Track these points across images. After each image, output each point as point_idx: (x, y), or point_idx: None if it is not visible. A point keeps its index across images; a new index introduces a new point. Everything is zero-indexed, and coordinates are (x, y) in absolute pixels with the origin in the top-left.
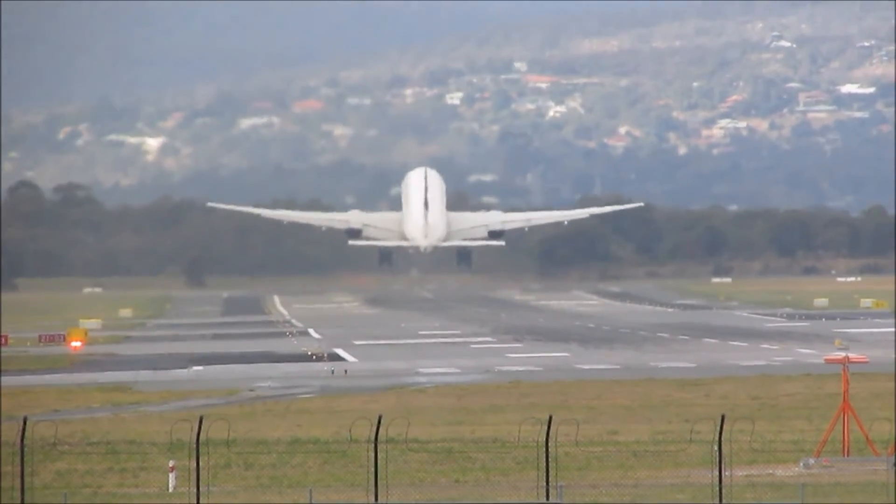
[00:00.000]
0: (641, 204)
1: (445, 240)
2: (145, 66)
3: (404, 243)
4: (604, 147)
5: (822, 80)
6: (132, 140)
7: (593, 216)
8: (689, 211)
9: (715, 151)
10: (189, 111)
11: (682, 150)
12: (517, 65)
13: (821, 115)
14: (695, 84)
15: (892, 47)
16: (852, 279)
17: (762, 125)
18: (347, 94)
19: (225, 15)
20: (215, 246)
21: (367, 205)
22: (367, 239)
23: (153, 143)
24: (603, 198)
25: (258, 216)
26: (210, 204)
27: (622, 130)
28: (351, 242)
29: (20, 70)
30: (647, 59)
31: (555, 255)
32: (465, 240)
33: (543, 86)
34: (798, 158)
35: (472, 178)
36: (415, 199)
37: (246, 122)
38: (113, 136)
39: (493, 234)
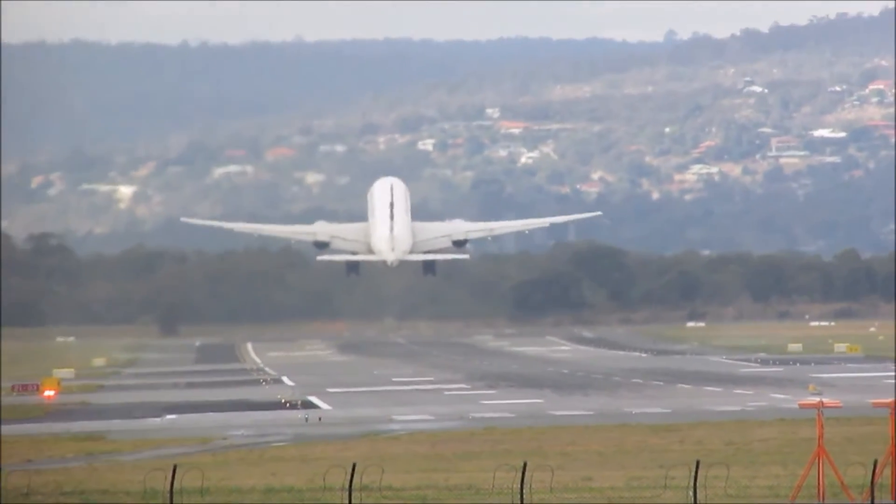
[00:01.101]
0: (599, 213)
1: (411, 251)
2: (117, 115)
3: (371, 257)
4: (577, 193)
5: (795, 125)
6: (105, 189)
7: (568, 263)
8: (663, 256)
9: (688, 197)
10: (161, 160)
11: (656, 196)
12: (489, 111)
13: (793, 160)
14: (667, 129)
15: (864, 92)
16: (826, 323)
17: (735, 170)
18: (320, 141)
19: (197, 63)
20: (188, 294)
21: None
22: (335, 250)
23: (126, 191)
24: (577, 243)
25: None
26: (184, 219)
27: (595, 176)
28: (319, 258)
29: None
30: (619, 105)
31: (528, 300)
32: (429, 251)
33: (516, 132)
34: (771, 203)
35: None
36: (380, 212)
37: (218, 171)
38: (86, 185)
39: (457, 244)
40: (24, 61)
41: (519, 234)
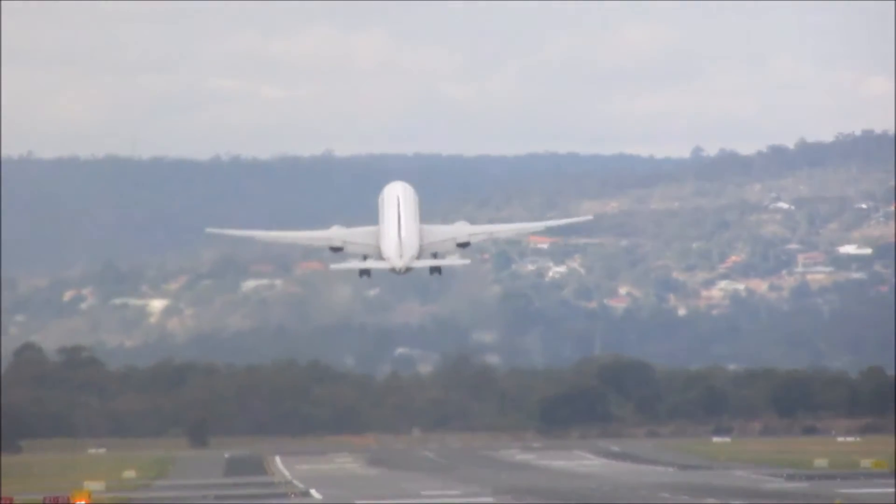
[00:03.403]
0: (590, 217)
1: (419, 255)
2: (148, 230)
3: (381, 265)
4: (604, 307)
5: (821, 241)
6: (136, 302)
7: (595, 377)
8: (689, 371)
9: (714, 312)
10: (192, 274)
11: (682, 311)
12: None
13: (819, 276)
14: (694, 245)
15: (890, 208)
16: (852, 439)
17: (761, 286)
18: (349, 254)
19: (227, 178)
20: (218, 406)
21: (369, 367)
22: (349, 255)
23: (157, 305)
24: (604, 357)
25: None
26: (209, 230)
27: (622, 291)
28: (332, 267)
29: (24, 234)
30: (646, 220)
31: (555, 413)
32: (435, 255)
33: (544, 246)
34: (797, 319)
35: (474, 337)
36: (388, 218)
37: (248, 285)
38: (117, 299)
39: (461, 245)
40: (56, 176)
41: (546, 350)
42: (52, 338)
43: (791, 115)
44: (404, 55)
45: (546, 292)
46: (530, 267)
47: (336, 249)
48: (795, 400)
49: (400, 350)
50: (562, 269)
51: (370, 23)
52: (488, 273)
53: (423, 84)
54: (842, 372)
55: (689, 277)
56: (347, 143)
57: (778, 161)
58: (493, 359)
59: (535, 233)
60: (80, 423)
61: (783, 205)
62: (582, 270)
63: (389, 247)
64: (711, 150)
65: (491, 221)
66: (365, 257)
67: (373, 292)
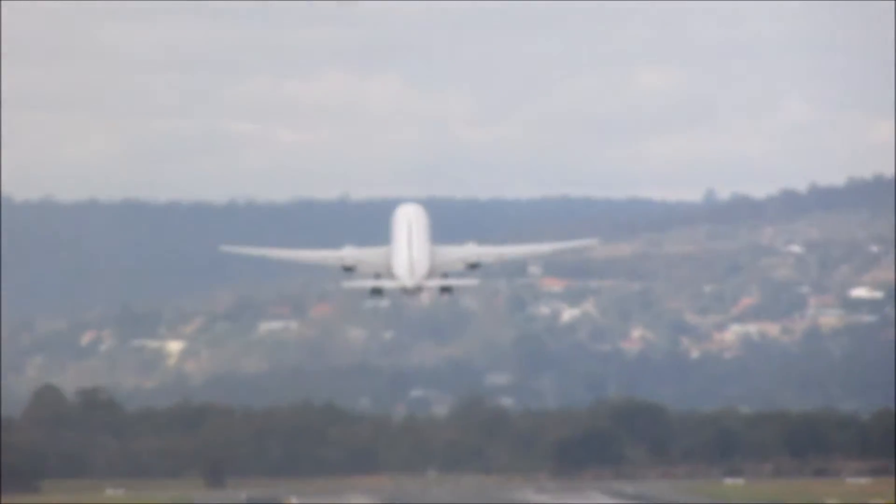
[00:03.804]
0: (595, 241)
1: (428, 275)
2: (165, 273)
3: (392, 284)
4: (617, 350)
5: (832, 284)
6: (153, 344)
7: (609, 419)
8: (702, 413)
9: (727, 355)
10: (209, 316)
11: (695, 354)
12: (531, 268)
13: (831, 319)
14: (706, 288)
15: None
16: (863, 481)
17: (773, 329)
18: (364, 297)
19: (243, 221)
20: (234, 448)
21: (385, 408)
22: (361, 274)
23: (174, 347)
24: (616, 399)
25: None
26: (223, 248)
27: (636, 334)
28: (344, 285)
29: (43, 277)
30: (659, 264)
31: (569, 455)
32: (444, 275)
33: (558, 289)
34: (808, 362)
35: (488, 379)
36: (399, 239)
37: (264, 327)
38: (135, 341)
39: (471, 266)
40: (75, 219)
41: (560, 392)
42: (70, 379)
43: (803, 158)
44: (418, 99)
45: (560, 335)
46: (544, 310)
47: (349, 269)
48: (807, 442)
49: (415, 392)
50: (575, 311)
51: (385, 67)
52: (503, 316)
53: (436, 128)
54: (853, 414)
55: (701, 320)
56: (363, 186)
57: (790, 205)
58: (507, 400)
59: (542, 255)
60: (97, 464)
61: (795, 248)
62: (595, 313)
63: (401, 266)
64: (724, 194)
65: (504, 265)
66: (377, 276)
67: (388, 334)
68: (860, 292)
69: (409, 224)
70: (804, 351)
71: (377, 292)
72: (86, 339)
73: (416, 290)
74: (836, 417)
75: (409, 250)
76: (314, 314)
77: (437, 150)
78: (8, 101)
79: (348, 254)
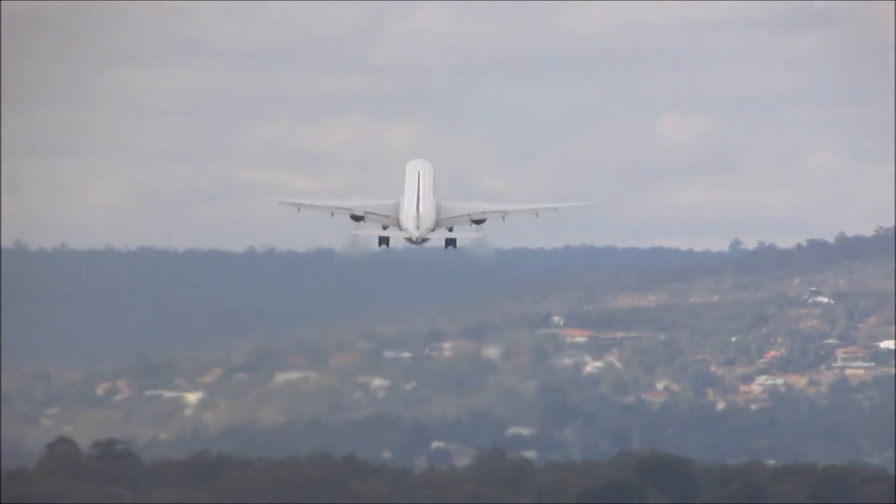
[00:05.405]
0: (596, 202)
1: (434, 227)
2: (182, 322)
3: (399, 234)
4: (641, 402)
5: (860, 335)
6: (170, 395)
7: (633, 472)
8: (727, 466)
9: (753, 407)
10: (226, 366)
11: (720, 406)
12: (554, 319)
13: (859, 371)
14: (732, 339)
15: None
16: None
17: (800, 381)
18: (384, 346)
19: (262, 270)
20: (252, 500)
21: (405, 460)
22: (369, 224)
23: (191, 397)
24: (640, 451)
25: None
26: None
27: (660, 385)
28: (353, 232)
29: (58, 327)
30: (684, 314)
31: None
32: (449, 229)
33: (581, 340)
34: (836, 414)
35: (510, 431)
36: (409, 192)
37: (282, 377)
38: (151, 392)
39: (476, 222)
40: (90, 268)
41: (583, 444)
42: (85, 431)
43: (830, 208)
44: (437, 146)
45: (583, 387)
46: (567, 361)
47: (357, 218)
48: (835, 496)
49: (436, 444)
50: (599, 363)
51: (403, 114)
52: (525, 367)
53: (456, 175)
54: (881, 468)
55: (727, 372)
56: None
57: (817, 255)
58: (529, 453)
59: (545, 211)
60: None
61: (822, 299)
62: (619, 365)
63: (408, 218)
64: (750, 244)
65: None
66: (384, 227)
67: (409, 385)
68: (889, 344)
69: (418, 177)
70: (832, 403)
71: (384, 242)
72: (101, 389)
73: (421, 242)
74: (864, 471)
75: (416, 203)
76: (334, 363)
77: (457, 198)
78: (21, 148)
79: (357, 203)
